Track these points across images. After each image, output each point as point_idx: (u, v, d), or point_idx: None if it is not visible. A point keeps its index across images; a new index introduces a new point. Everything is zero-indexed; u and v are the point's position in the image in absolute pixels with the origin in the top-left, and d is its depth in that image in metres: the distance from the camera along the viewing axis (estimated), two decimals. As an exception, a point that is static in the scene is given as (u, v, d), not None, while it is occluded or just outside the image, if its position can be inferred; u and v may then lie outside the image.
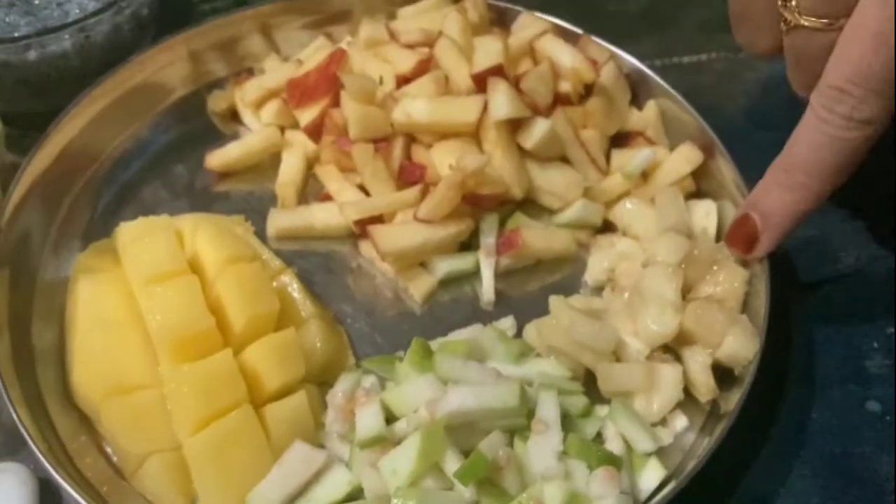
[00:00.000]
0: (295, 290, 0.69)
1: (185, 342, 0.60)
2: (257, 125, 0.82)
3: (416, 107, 0.74)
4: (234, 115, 0.84)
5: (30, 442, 0.58)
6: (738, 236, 0.68)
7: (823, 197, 0.64)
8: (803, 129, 0.63)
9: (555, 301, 0.66)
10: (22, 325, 0.67)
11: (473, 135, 0.75)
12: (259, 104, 0.82)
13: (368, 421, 0.59)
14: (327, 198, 0.77)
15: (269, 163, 0.80)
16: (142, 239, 0.66)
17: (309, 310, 0.68)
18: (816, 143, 0.61)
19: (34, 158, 0.73)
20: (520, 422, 0.60)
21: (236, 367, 0.60)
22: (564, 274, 0.75)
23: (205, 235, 0.67)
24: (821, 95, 0.60)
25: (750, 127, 0.88)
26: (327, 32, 0.87)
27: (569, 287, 0.74)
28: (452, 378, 0.61)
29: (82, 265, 0.69)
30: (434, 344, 0.66)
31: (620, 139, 0.81)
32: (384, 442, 0.58)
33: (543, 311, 0.68)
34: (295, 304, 0.68)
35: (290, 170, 0.78)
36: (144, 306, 0.63)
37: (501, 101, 0.72)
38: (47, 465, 0.57)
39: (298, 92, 0.79)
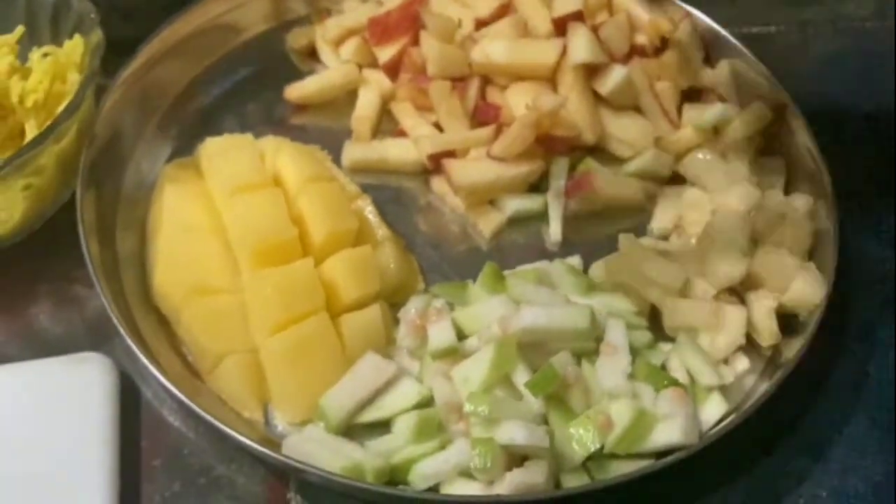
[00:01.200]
0: (371, 213, 0.70)
1: (267, 251, 0.62)
2: (335, 63, 0.84)
3: (495, 48, 0.75)
4: (311, 54, 0.86)
5: (122, 330, 0.60)
6: None
7: None
8: None
9: (624, 238, 0.67)
10: (108, 233, 0.69)
11: (549, 79, 0.76)
12: (339, 42, 0.84)
13: (441, 335, 0.61)
14: (401, 134, 0.79)
15: (345, 100, 0.82)
16: (226, 153, 0.68)
17: (384, 233, 0.70)
18: None
19: (120, 80, 0.75)
20: (588, 345, 0.61)
21: (316, 275, 0.62)
22: (631, 222, 0.75)
23: (286, 156, 0.69)
24: None
25: (817, 96, 0.88)
26: (408, -23, 0.88)
27: (635, 235, 0.74)
28: (524, 300, 0.62)
29: (168, 175, 0.71)
30: (503, 274, 0.68)
31: (692, 96, 0.81)
32: (455, 354, 0.60)
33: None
34: (371, 226, 0.70)
35: (366, 104, 0.80)
36: (228, 215, 0.65)
37: (581, 45, 0.73)
38: (137, 350, 0.59)
39: (380, 29, 0.80)
